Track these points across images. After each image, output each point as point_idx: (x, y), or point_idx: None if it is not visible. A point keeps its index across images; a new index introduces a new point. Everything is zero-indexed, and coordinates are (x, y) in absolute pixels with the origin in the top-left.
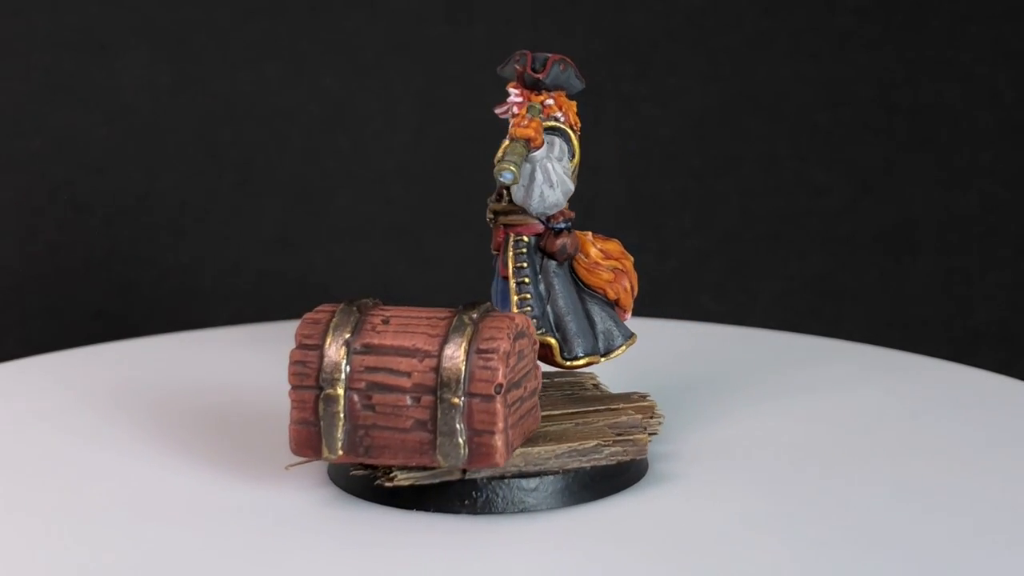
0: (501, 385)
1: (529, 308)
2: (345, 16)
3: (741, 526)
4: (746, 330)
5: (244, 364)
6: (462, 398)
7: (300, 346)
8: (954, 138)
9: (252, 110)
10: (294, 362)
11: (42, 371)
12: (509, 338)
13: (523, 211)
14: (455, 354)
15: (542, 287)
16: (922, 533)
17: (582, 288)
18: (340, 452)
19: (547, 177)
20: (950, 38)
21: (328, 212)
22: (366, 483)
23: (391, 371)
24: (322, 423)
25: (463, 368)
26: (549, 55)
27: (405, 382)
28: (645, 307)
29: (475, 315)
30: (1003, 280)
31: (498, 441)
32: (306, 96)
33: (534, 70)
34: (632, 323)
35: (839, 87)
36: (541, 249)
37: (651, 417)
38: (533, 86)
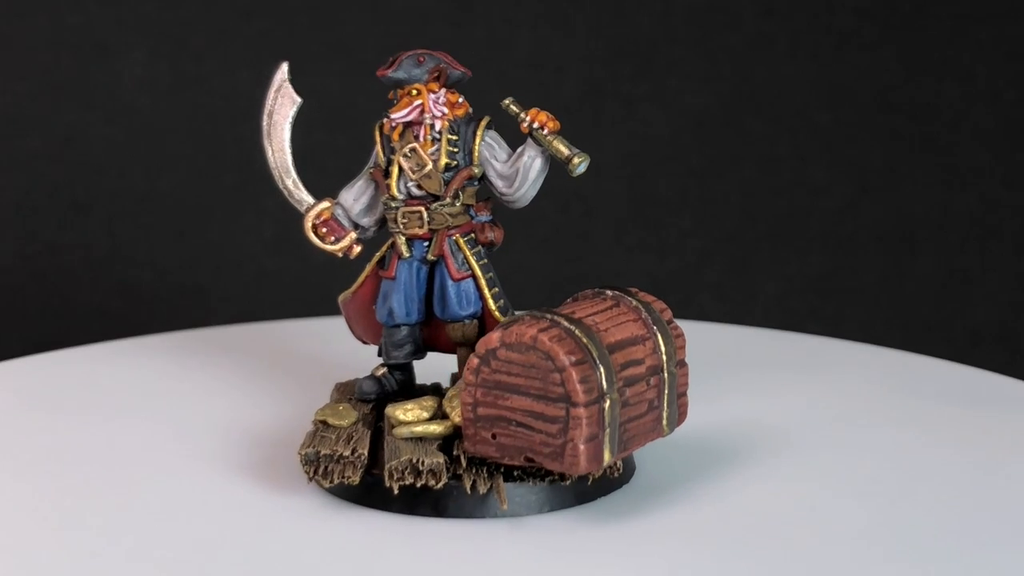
0: None
1: (502, 302)
2: (345, 16)
3: (739, 526)
4: (746, 330)
5: (244, 364)
6: (676, 368)
7: (576, 364)
8: (954, 138)
9: (252, 110)
10: (581, 380)
11: (42, 371)
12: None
13: (461, 212)
14: (667, 331)
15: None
16: (922, 532)
17: None
18: (615, 453)
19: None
20: (950, 38)
21: None
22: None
23: (634, 363)
24: (608, 430)
25: (674, 342)
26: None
27: (642, 370)
28: None
29: (637, 294)
30: (1003, 280)
31: (688, 399)
32: (306, 96)
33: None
34: None
35: (839, 87)
36: (485, 242)
37: None
38: (458, 82)
